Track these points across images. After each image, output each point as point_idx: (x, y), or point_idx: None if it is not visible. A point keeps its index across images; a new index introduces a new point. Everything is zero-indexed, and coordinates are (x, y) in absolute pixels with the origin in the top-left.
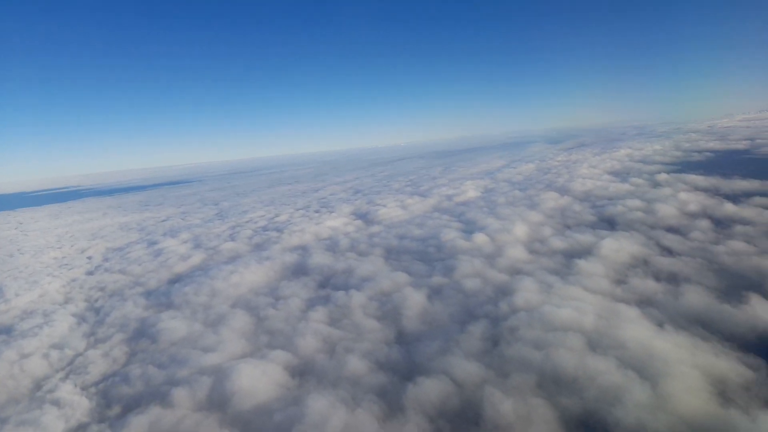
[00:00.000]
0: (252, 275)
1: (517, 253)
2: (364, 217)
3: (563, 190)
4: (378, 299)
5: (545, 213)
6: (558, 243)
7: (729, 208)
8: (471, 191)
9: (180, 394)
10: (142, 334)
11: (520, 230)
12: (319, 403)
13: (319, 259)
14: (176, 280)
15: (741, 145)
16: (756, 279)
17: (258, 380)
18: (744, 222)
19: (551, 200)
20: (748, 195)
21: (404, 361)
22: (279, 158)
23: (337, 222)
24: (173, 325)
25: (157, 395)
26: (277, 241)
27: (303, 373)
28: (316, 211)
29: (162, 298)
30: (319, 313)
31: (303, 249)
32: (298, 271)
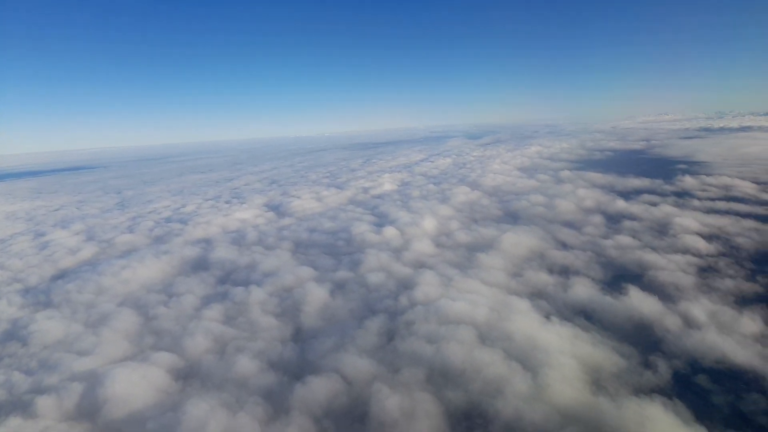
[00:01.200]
0: (146, 270)
1: (423, 247)
2: (277, 209)
3: (475, 185)
4: (279, 295)
5: (455, 207)
6: (463, 237)
7: (620, 204)
8: (387, 184)
9: (45, 403)
10: (12, 336)
11: (429, 224)
12: (198, 408)
13: (223, 253)
14: (60, 276)
15: (638, 146)
16: (636, 271)
17: (136, 385)
18: (631, 217)
19: (462, 194)
20: (638, 192)
21: (297, 360)
22: (194, 145)
23: (247, 214)
24: (48, 327)
25: (20, 405)
26: (179, 234)
27: (188, 376)
28: (227, 202)
29: (41, 296)
30: (214, 311)
31: (206, 242)
32: (198, 266)
